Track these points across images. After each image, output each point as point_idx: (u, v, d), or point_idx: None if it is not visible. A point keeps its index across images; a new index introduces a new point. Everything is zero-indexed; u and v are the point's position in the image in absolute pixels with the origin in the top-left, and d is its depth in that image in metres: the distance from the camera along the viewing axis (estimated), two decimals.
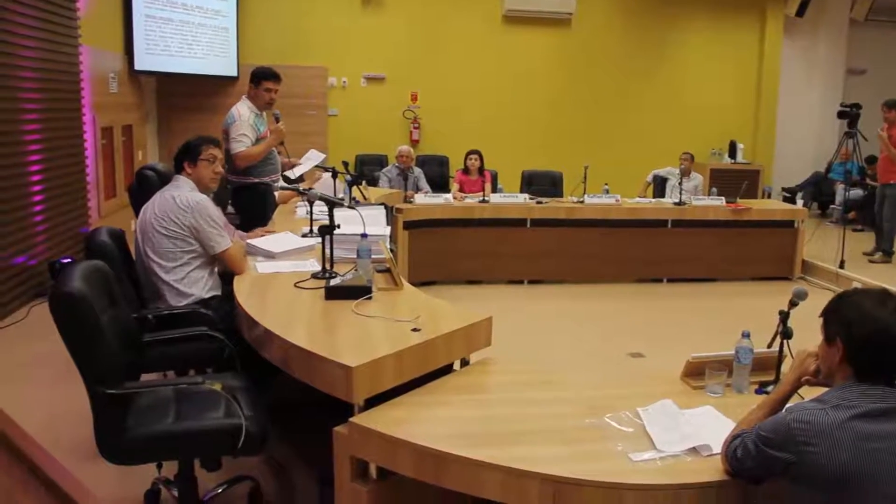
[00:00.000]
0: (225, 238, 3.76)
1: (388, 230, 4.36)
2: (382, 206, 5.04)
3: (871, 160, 10.82)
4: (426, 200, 7.33)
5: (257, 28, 9.95)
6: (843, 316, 1.96)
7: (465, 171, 8.25)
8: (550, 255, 7.45)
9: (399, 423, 2.40)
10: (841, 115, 8.41)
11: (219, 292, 3.79)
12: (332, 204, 3.67)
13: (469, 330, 2.93)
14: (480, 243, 7.30)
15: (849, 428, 1.81)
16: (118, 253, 3.56)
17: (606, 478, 2.12)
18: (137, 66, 8.46)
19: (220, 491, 3.11)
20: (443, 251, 7.17)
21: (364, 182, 6.83)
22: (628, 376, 3.14)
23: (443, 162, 9.79)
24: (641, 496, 2.11)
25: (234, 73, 9.71)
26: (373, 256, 3.61)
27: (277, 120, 5.61)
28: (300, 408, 3.29)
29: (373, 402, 2.53)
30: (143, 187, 4.88)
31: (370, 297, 3.23)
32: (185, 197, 3.69)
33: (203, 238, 3.67)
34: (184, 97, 9.67)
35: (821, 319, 2.04)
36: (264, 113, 5.65)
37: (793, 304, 2.70)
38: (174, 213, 3.63)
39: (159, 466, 2.97)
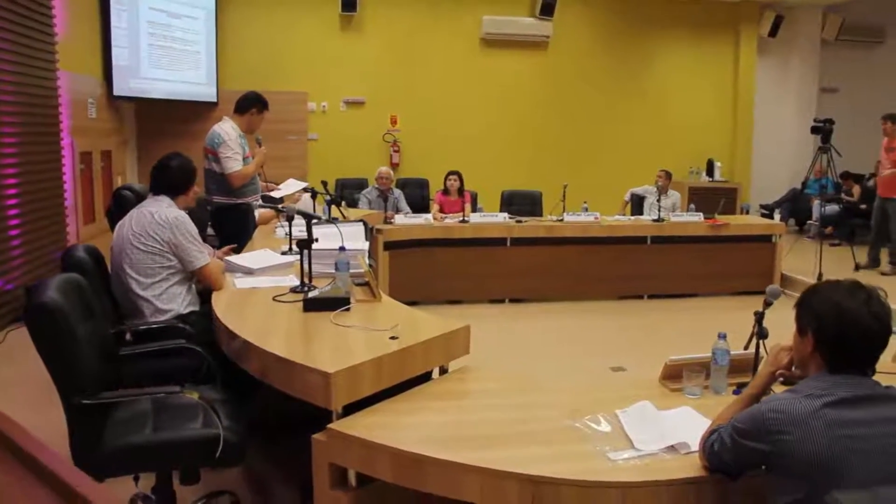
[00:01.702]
0: (203, 254, 3.76)
1: (366, 245, 4.36)
2: (361, 223, 5.05)
3: (845, 176, 11.01)
4: (406, 221, 7.33)
5: (236, 53, 10.00)
6: (814, 308, 1.98)
7: (445, 191, 8.29)
8: (531, 274, 7.46)
9: (378, 428, 2.39)
10: (814, 130, 8.54)
11: (197, 308, 3.78)
12: (309, 218, 3.68)
13: (447, 338, 2.94)
14: (461, 263, 7.31)
15: (822, 416, 1.82)
16: (95, 269, 3.55)
17: (585, 477, 2.13)
18: (116, 92, 8.46)
19: None
20: (423, 271, 7.16)
21: (344, 203, 6.86)
22: (608, 383, 3.14)
23: (423, 184, 9.83)
24: (620, 494, 2.11)
25: (214, 99, 9.74)
26: (351, 271, 3.62)
27: (260, 144, 5.64)
28: (282, 425, 3.28)
29: (352, 410, 2.52)
30: (122, 208, 4.86)
31: (348, 309, 3.24)
32: (163, 213, 3.69)
33: (182, 254, 3.67)
34: (163, 122, 9.66)
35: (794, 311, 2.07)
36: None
37: (767, 303, 2.73)
38: (153, 229, 3.62)
39: (136, 480, 2.94)
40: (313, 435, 2.45)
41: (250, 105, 5.58)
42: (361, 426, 2.41)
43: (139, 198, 4.78)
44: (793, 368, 2.16)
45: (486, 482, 2.18)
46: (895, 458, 1.81)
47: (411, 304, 6.64)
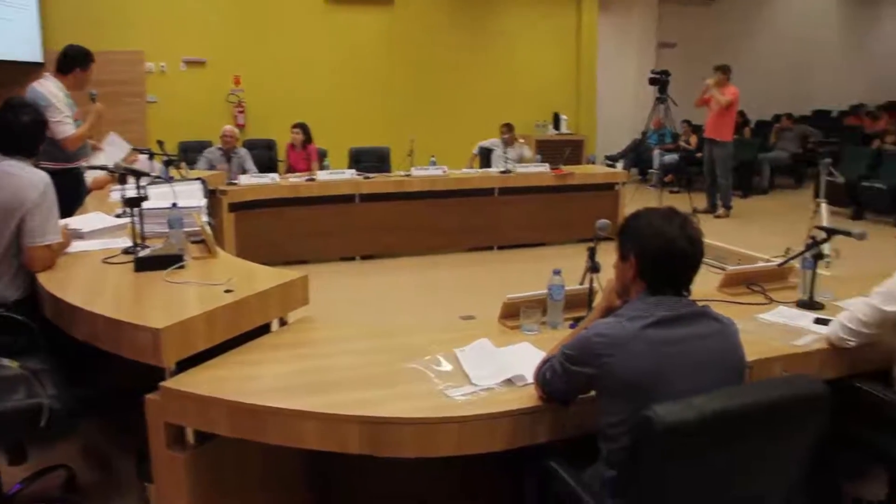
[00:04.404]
0: (59, 229, 3.31)
1: (203, 202, 4.21)
2: (199, 181, 4.87)
3: (686, 124, 11.56)
4: (251, 181, 7.13)
5: (64, 7, 9.34)
6: (634, 234, 2.07)
7: (293, 145, 8.21)
8: (381, 230, 7.43)
9: (213, 382, 2.33)
10: (652, 81, 8.89)
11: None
12: (138, 175, 3.51)
13: (284, 288, 2.88)
14: (310, 222, 7.17)
15: (643, 336, 1.91)
16: None
17: (423, 414, 2.14)
18: None
19: (27, 483, 2.91)
20: (272, 232, 6.97)
21: (185, 164, 6.58)
22: (448, 326, 3.15)
23: (271, 145, 9.63)
24: (457, 429, 2.14)
25: (40, 59, 9.09)
26: (187, 228, 3.49)
27: (94, 99, 5.27)
28: (118, 395, 3.13)
29: (188, 367, 2.43)
30: None
31: (182, 266, 3.11)
32: (31, 174, 3.20)
33: (33, 222, 3.13)
34: None
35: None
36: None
37: (598, 237, 2.81)
38: (24, 193, 3.13)
39: None
40: (146, 395, 2.35)
41: (73, 63, 5.15)
42: (196, 382, 2.33)
43: None
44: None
45: (325, 428, 2.16)
46: (706, 369, 1.94)
47: None
